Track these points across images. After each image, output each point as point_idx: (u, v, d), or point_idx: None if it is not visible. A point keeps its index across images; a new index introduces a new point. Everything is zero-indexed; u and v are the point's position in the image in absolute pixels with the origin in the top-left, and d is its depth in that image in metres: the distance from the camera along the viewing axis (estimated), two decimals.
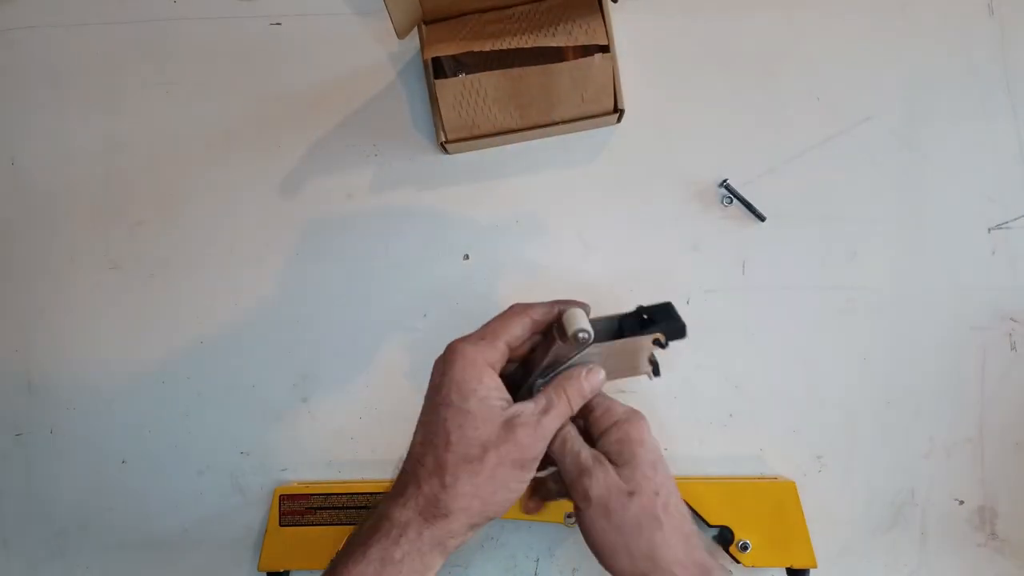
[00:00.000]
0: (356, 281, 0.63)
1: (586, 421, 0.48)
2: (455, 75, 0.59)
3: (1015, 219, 0.62)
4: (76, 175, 0.65)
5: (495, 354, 0.44)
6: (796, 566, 0.57)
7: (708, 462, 0.62)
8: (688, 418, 0.62)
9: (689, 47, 0.63)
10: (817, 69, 0.63)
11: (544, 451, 0.44)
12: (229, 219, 0.64)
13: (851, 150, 0.62)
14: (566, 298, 0.47)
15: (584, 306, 0.46)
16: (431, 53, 0.57)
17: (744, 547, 0.57)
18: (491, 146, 0.63)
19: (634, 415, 0.47)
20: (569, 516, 0.59)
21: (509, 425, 0.42)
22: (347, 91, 0.64)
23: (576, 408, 0.45)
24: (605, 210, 0.63)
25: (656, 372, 0.48)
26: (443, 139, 0.59)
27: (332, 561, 0.43)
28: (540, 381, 0.46)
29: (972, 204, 0.62)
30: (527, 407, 0.43)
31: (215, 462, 0.63)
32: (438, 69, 0.60)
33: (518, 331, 0.45)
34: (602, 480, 0.44)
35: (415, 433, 0.44)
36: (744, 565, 0.58)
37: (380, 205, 0.64)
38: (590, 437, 0.47)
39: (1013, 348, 0.62)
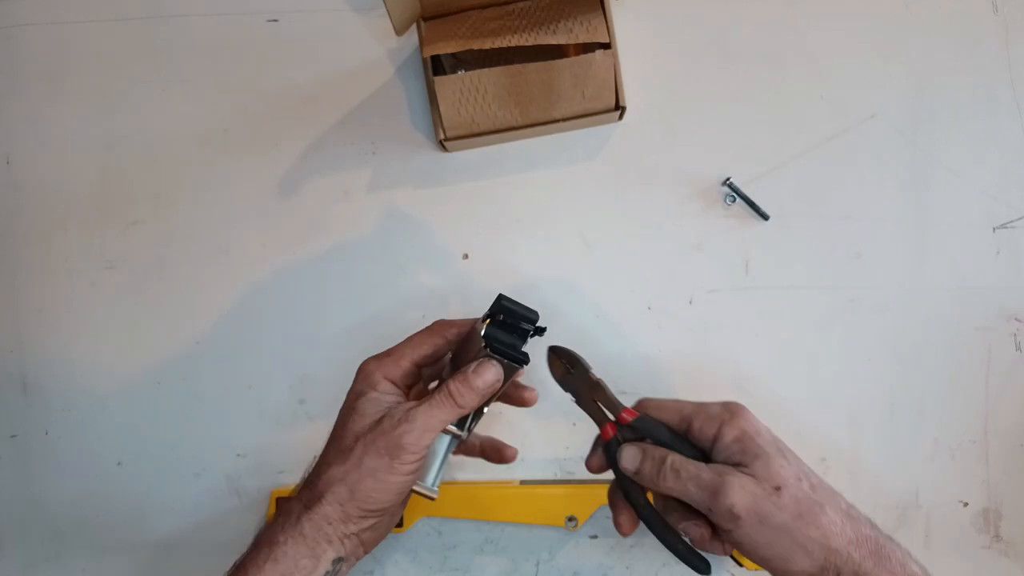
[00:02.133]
0: (354, 281, 0.63)
1: (690, 438, 0.45)
2: (454, 72, 0.58)
3: (1020, 218, 0.62)
4: (72, 174, 0.64)
5: (396, 370, 0.47)
6: None
7: None
8: None
9: (692, 44, 0.63)
10: (821, 67, 0.62)
11: (421, 442, 0.43)
12: (226, 218, 0.64)
13: (855, 148, 0.62)
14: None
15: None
16: (430, 51, 0.56)
17: None
18: (491, 144, 0.62)
19: (734, 407, 0.45)
20: (570, 520, 0.58)
21: (386, 416, 0.44)
22: (345, 88, 0.63)
23: (465, 403, 0.44)
24: (606, 209, 0.63)
25: (494, 347, 0.46)
26: (442, 137, 0.59)
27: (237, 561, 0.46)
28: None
29: (977, 203, 0.62)
30: (404, 404, 0.45)
31: (211, 464, 0.63)
32: (437, 66, 0.60)
33: (428, 350, 0.48)
34: (740, 489, 0.41)
35: None
36: (746, 568, 0.57)
37: (379, 203, 0.63)
38: (704, 454, 0.45)
39: (1018, 348, 0.61)
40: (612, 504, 0.48)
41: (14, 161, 0.65)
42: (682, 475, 0.43)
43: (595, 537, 0.61)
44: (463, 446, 0.52)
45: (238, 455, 0.63)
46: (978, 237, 0.62)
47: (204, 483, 0.63)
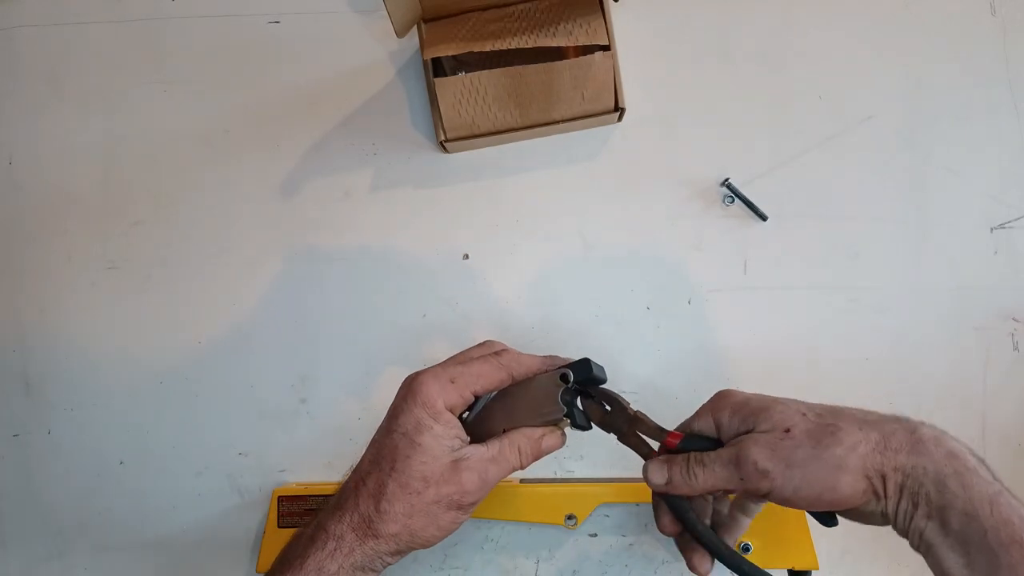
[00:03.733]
0: (355, 281, 0.63)
1: (698, 436, 0.46)
2: (455, 73, 0.59)
3: (1018, 219, 0.62)
4: (74, 174, 0.65)
5: (458, 400, 0.44)
6: (798, 568, 0.57)
7: None
8: None
9: (691, 46, 0.63)
10: (819, 68, 0.63)
11: (485, 494, 0.44)
12: (227, 219, 0.64)
13: (853, 149, 0.62)
14: (557, 356, 0.47)
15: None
16: (431, 53, 0.57)
17: (746, 549, 0.57)
18: (491, 145, 0.62)
19: (717, 394, 0.47)
20: (570, 518, 0.58)
21: (455, 466, 0.43)
22: (346, 89, 0.64)
23: (526, 464, 0.45)
24: (606, 209, 0.63)
25: (572, 418, 0.45)
26: (443, 138, 0.59)
27: (270, 569, 0.44)
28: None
29: (975, 203, 0.62)
30: (479, 451, 0.44)
31: (213, 463, 0.63)
32: (438, 67, 0.60)
33: (493, 385, 0.45)
34: (755, 446, 0.42)
35: (367, 450, 0.45)
36: None
37: (379, 204, 0.63)
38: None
39: (1016, 348, 0.61)
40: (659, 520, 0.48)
41: (16, 162, 0.65)
42: (707, 463, 0.44)
43: (594, 536, 0.61)
44: None
45: (240, 454, 0.63)
46: (976, 237, 0.62)
47: (206, 482, 0.63)
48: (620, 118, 0.61)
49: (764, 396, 0.45)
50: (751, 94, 0.63)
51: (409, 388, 0.44)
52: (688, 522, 0.45)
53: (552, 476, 0.62)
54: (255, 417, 0.63)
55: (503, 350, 0.47)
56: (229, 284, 0.63)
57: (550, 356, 0.47)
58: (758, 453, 0.41)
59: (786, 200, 0.62)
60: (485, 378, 0.45)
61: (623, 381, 0.61)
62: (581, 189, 0.63)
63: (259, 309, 0.63)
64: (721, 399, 0.46)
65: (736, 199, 0.62)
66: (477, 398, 0.46)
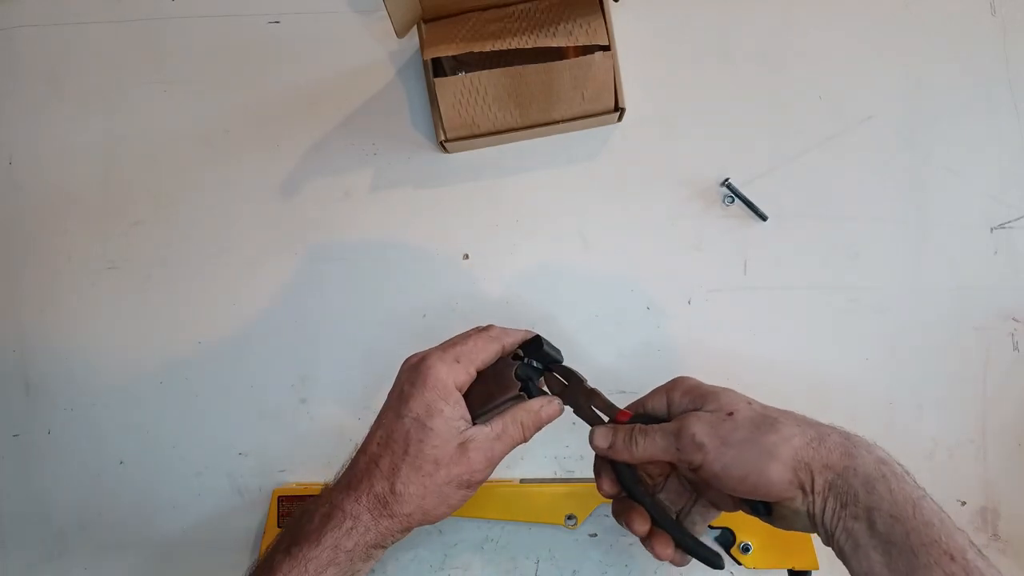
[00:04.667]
0: (355, 281, 0.63)
1: (647, 415, 0.48)
2: (455, 73, 0.59)
3: (1018, 218, 0.62)
4: (74, 175, 0.65)
5: (465, 377, 0.46)
6: (798, 568, 0.57)
7: None
8: None
9: (691, 46, 0.63)
10: (819, 68, 0.63)
11: (491, 472, 0.46)
12: (227, 219, 0.64)
13: (853, 149, 0.62)
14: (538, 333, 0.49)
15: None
16: (431, 54, 0.57)
17: (746, 549, 0.57)
18: (491, 145, 0.62)
19: (677, 379, 0.49)
20: (570, 518, 0.58)
21: (463, 448, 0.44)
22: (346, 90, 0.64)
23: (529, 436, 0.47)
24: (606, 209, 0.63)
25: (528, 393, 0.48)
26: (443, 138, 0.59)
27: (277, 545, 0.44)
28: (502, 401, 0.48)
29: (975, 203, 0.62)
30: (483, 431, 0.45)
31: (213, 463, 0.63)
32: (438, 67, 0.60)
33: (489, 357, 0.48)
34: (697, 421, 0.44)
35: (373, 430, 0.46)
36: (746, 567, 0.57)
37: (379, 204, 0.63)
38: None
39: (1016, 348, 0.61)
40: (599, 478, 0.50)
41: (16, 162, 0.65)
42: (649, 433, 0.46)
43: (594, 535, 0.61)
44: None
45: (240, 454, 0.63)
46: (976, 237, 0.62)
47: (206, 482, 0.63)
48: (620, 118, 0.61)
49: (717, 385, 0.47)
50: (751, 94, 0.63)
51: (417, 371, 0.46)
52: (628, 485, 0.47)
53: (552, 476, 0.62)
54: (255, 417, 0.63)
55: (489, 326, 0.49)
56: (229, 284, 0.63)
57: (531, 330, 0.49)
58: (698, 428, 0.44)
59: (786, 200, 0.62)
60: (483, 352, 0.47)
61: (623, 382, 0.61)
62: (581, 189, 0.63)
63: (259, 309, 0.63)
64: (676, 383, 0.48)
65: (736, 199, 0.62)
66: (479, 373, 0.48)
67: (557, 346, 0.49)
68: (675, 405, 0.47)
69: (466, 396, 0.47)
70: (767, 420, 0.43)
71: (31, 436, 0.64)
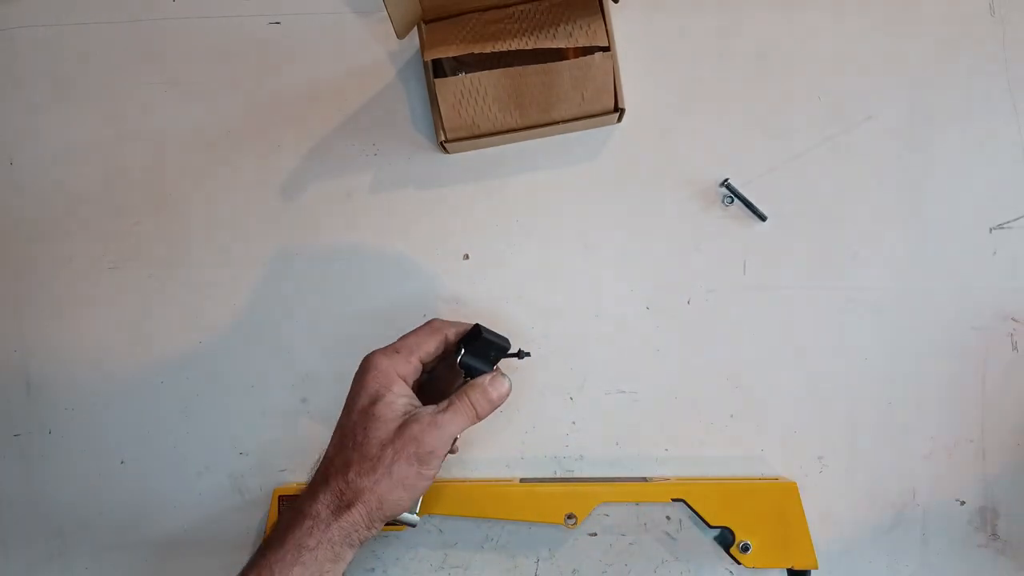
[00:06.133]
0: (356, 281, 0.63)
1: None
2: (455, 74, 0.59)
3: (1016, 219, 0.62)
4: (75, 175, 0.65)
5: (407, 367, 0.49)
6: (797, 567, 0.57)
7: (709, 463, 0.62)
8: (689, 419, 0.62)
9: (690, 46, 0.63)
10: (818, 68, 0.63)
11: (446, 448, 0.47)
12: (228, 219, 0.64)
13: (852, 150, 0.62)
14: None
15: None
16: (431, 55, 0.57)
17: (745, 548, 0.57)
18: (491, 145, 0.62)
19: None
20: (569, 517, 0.58)
21: (406, 424, 0.46)
22: (347, 90, 0.64)
23: (483, 412, 0.49)
24: (605, 210, 0.63)
25: (471, 375, 0.51)
26: (443, 138, 0.59)
27: (252, 555, 0.46)
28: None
29: (974, 204, 0.62)
30: (427, 408, 0.47)
31: (214, 463, 0.63)
32: (438, 68, 0.60)
33: (432, 348, 0.50)
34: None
35: (332, 438, 0.49)
36: (745, 566, 0.57)
37: (380, 204, 0.63)
38: None
39: (1015, 348, 0.61)
40: None
41: (17, 163, 0.65)
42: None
43: (594, 535, 0.61)
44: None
45: (240, 453, 0.63)
46: (975, 238, 0.62)
47: (207, 481, 0.63)
48: (620, 119, 0.61)
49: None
50: (751, 94, 0.63)
51: (361, 369, 0.49)
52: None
53: (552, 476, 0.62)
54: (256, 417, 0.63)
55: (432, 320, 0.52)
56: (230, 284, 0.64)
57: (471, 322, 0.52)
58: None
59: (786, 200, 0.62)
60: (424, 342, 0.50)
61: (623, 380, 0.62)
62: (581, 189, 0.63)
63: (259, 309, 0.63)
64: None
65: (735, 199, 0.62)
66: (423, 365, 0.51)
67: (502, 334, 0.52)
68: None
69: (422, 394, 0.49)
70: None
71: (32, 436, 0.64)
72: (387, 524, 0.49)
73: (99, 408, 0.64)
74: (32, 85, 0.65)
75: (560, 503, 0.59)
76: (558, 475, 0.62)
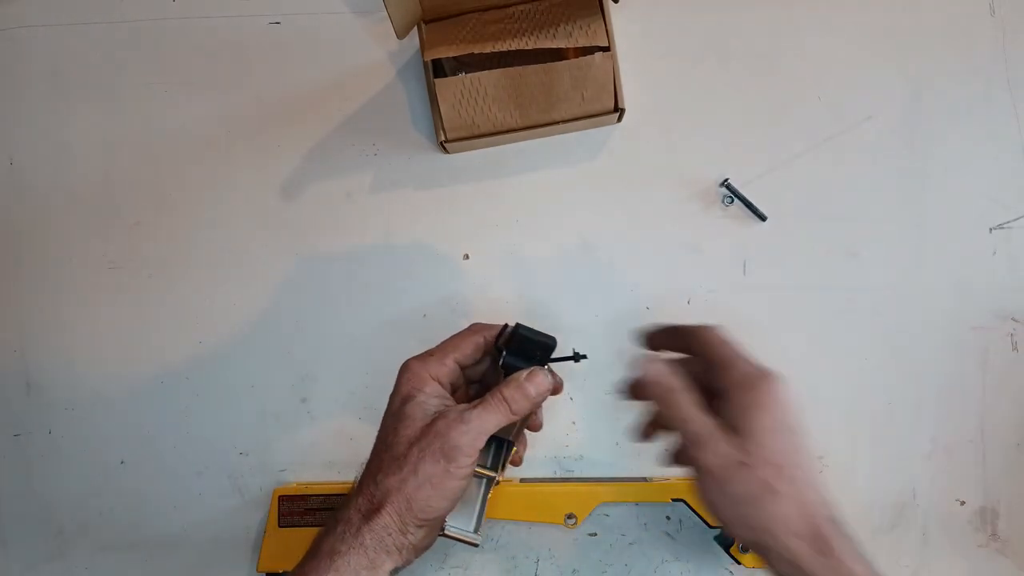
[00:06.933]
0: (356, 281, 0.63)
1: (713, 381, 0.45)
2: (455, 74, 0.59)
3: (1016, 219, 0.62)
4: (75, 175, 0.65)
5: (442, 368, 0.48)
6: None
7: None
8: None
9: (690, 46, 0.63)
10: (818, 68, 0.63)
11: (476, 445, 0.44)
12: (228, 219, 0.64)
13: (852, 149, 0.62)
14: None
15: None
16: (431, 55, 0.57)
17: (745, 548, 0.57)
18: (491, 145, 0.62)
19: (758, 379, 0.43)
20: (570, 517, 0.58)
21: (434, 421, 0.45)
22: (347, 90, 0.64)
23: (518, 409, 0.46)
24: (605, 210, 0.63)
25: (507, 370, 0.48)
26: (443, 138, 0.59)
27: (295, 567, 0.45)
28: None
29: (973, 204, 0.62)
30: (457, 405, 0.46)
31: (214, 463, 0.63)
32: (438, 68, 0.60)
33: (469, 350, 0.49)
34: (712, 451, 0.41)
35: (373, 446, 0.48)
36: (745, 566, 0.58)
37: (380, 204, 0.63)
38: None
39: (1015, 348, 0.61)
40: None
41: (17, 163, 0.65)
42: (676, 414, 0.43)
43: (594, 535, 0.61)
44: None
45: (240, 454, 0.63)
46: (975, 238, 0.62)
47: (206, 481, 0.63)
48: (620, 119, 0.61)
49: (778, 419, 0.43)
50: (751, 94, 0.63)
51: (399, 372, 0.48)
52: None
53: (552, 476, 0.62)
54: (256, 417, 0.63)
55: (474, 323, 0.51)
56: (229, 284, 0.64)
57: (509, 323, 0.50)
58: (707, 459, 0.42)
59: (785, 200, 0.62)
60: (459, 344, 0.49)
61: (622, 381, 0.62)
62: (581, 189, 0.63)
63: (259, 309, 0.63)
64: (747, 389, 0.44)
65: (735, 199, 0.62)
66: (462, 368, 0.49)
67: (547, 332, 0.49)
68: (727, 403, 0.43)
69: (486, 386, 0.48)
70: (765, 494, 0.40)
71: (32, 436, 0.64)
72: (445, 535, 0.48)
73: (99, 408, 0.64)
74: (32, 85, 0.65)
75: (560, 503, 0.59)
76: (558, 475, 0.62)
